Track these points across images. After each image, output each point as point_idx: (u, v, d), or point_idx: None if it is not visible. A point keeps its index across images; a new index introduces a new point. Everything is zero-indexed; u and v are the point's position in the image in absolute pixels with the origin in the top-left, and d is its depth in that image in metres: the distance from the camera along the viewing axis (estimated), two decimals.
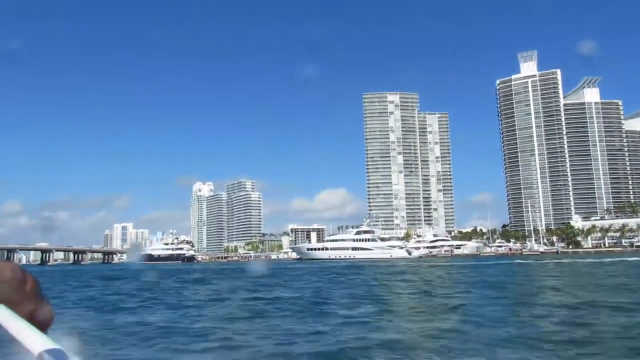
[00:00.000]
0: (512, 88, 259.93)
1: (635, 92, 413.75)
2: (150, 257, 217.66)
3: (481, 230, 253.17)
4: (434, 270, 63.31)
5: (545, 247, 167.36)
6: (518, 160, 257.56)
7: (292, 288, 36.15)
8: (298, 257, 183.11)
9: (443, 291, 31.50)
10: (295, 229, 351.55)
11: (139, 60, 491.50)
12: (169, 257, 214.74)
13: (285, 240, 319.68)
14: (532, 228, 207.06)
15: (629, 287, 30.88)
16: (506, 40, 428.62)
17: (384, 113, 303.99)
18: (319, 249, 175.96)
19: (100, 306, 25.46)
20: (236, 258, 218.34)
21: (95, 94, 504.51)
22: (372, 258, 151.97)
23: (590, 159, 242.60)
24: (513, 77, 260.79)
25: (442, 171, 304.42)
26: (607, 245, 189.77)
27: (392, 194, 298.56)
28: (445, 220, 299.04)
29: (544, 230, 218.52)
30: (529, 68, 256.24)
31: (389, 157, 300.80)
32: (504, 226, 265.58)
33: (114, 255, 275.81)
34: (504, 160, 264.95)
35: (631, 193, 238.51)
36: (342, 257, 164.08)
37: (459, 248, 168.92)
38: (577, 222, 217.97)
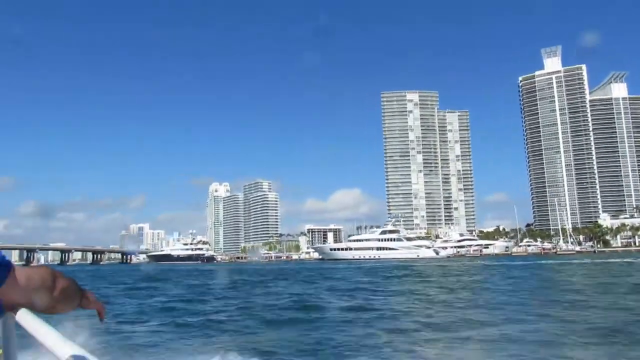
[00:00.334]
0: (536, 84, 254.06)
1: None
2: (169, 257, 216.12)
3: (504, 229, 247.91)
4: (500, 271, 58.50)
5: (580, 246, 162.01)
6: (542, 158, 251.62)
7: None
8: (320, 257, 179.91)
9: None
10: (311, 229, 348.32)
11: (147, 60, 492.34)
12: (188, 258, 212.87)
13: (303, 241, 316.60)
14: (559, 227, 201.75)
15: None
16: (526, 37, 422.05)
17: (403, 112, 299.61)
18: (342, 249, 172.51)
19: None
20: (256, 258, 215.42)
21: (107, 95, 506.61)
22: (398, 258, 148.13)
23: (618, 156, 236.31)
24: (536, 73, 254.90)
25: (463, 170, 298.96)
26: (637, 244, 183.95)
27: (411, 193, 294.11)
28: (466, 219, 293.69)
29: (571, 229, 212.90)
30: (553, 64, 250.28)
31: (409, 156, 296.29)
32: (527, 225, 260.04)
33: (132, 256, 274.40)
34: (528, 158, 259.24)
35: None
36: (367, 257, 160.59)
37: (487, 248, 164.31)
38: (605, 220, 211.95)
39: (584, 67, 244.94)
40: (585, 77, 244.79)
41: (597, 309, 19.27)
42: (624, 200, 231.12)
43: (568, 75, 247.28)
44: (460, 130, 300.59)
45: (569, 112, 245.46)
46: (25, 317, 1.42)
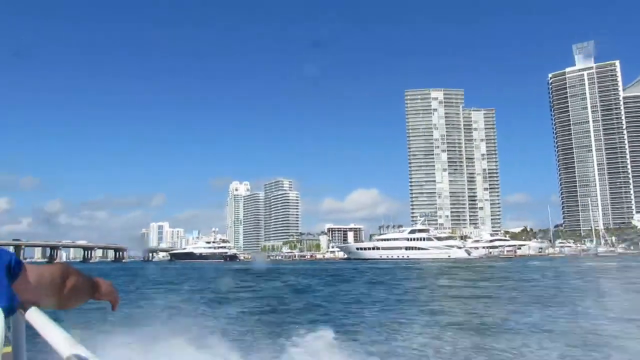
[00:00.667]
0: (567, 81, 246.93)
1: None
2: (192, 255, 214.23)
3: (531, 230, 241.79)
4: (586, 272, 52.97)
5: (623, 248, 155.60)
6: (573, 157, 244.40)
7: None
8: (346, 256, 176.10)
9: None
10: (331, 228, 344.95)
11: (167, 60, 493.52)
12: (211, 256, 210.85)
13: (324, 240, 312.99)
14: (591, 228, 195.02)
15: None
16: (553, 33, 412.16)
17: (427, 110, 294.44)
18: (369, 249, 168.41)
19: None
20: (280, 257, 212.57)
21: (128, 95, 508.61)
22: (428, 258, 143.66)
23: None
24: (567, 70, 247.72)
25: (489, 169, 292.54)
26: None
27: (435, 192, 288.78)
28: (492, 219, 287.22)
29: (604, 230, 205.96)
30: (584, 60, 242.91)
31: (433, 155, 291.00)
32: (556, 226, 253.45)
33: (154, 254, 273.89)
34: (557, 156, 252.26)
35: None
36: (395, 256, 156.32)
37: (519, 248, 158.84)
38: (639, 221, 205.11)
39: (617, 63, 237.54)
40: (618, 74, 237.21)
41: None
42: None
43: (600, 72, 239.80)
44: (486, 128, 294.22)
45: (602, 110, 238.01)
46: (34, 315, 1.43)
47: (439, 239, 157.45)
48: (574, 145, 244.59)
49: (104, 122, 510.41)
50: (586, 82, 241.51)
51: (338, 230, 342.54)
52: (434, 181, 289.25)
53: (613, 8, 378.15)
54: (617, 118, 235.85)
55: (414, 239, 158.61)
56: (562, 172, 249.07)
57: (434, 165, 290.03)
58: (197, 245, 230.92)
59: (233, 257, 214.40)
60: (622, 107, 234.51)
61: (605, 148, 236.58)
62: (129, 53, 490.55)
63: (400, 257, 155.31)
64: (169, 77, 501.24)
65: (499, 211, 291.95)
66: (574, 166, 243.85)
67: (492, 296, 26.73)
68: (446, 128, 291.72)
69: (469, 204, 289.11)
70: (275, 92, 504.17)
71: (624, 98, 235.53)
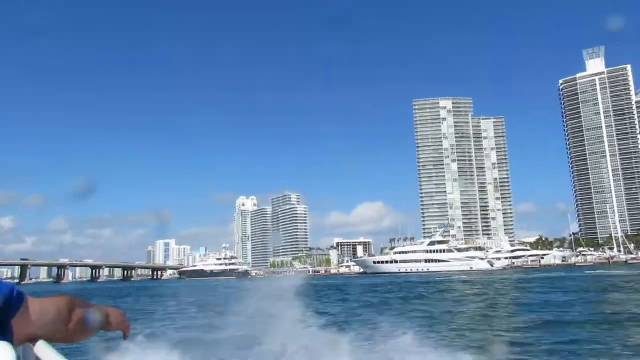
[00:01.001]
0: (578, 87, 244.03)
1: None
2: (202, 273, 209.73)
3: (547, 239, 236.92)
4: None
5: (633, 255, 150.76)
6: (587, 163, 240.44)
7: None
8: (362, 271, 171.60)
9: None
10: (340, 242, 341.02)
11: (170, 76, 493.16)
12: (222, 273, 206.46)
13: (334, 255, 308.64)
14: (611, 235, 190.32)
15: None
16: (561, 40, 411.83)
17: (437, 119, 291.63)
18: (387, 262, 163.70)
19: None
20: (293, 273, 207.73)
21: (130, 113, 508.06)
22: (450, 271, 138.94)
23: None
24: (578, 75, 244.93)
25: (500, 178, 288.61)
26: None
27: (447, 203, 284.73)
28: (505, 230, 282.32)
29: (623, 237, 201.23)
30: (595, 65, 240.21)
31: (443, 165, 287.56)
32: (572, 235, 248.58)
33: (163, 272, 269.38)
34: (571, 163, 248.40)
35: None
36: (415, 270, 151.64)
37: (543, 258, 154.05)
38: None
39: (629, 67, 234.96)
40: (630, 78, 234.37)
41: None
42: None
43: (612, 77, 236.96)
44: (496, 137, 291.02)
45: (614, 115, 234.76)
46: (43, 349, 1.39)
47: (459, 250, 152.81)
48: (587, 152, 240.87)
49: (108, 139, 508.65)
50: (598, 87, 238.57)
51: (347, 245, 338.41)
52: (445, 192, 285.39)
53: (622, 12, 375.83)
54: (630, 122, 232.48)
55: (434, 251, 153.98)
56: (576, 179, 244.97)
57: (444, 176, 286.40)
58: (208, 262, 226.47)
59: (245, 274, 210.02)
60: (635, 112, 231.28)
61: (620, 153, 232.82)
62: (130, 69, 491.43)
63: (420, 270, 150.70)
64: (172, 94, 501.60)
65: (512, 221, 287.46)
66: (588, 173, 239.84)
67: None
68: (456, 137, 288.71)
69: (481, 214, 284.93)
70: (277, 104, 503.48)
71: (636, 102, 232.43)
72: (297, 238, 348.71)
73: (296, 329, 14.17)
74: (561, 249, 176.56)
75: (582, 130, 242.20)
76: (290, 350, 11.34)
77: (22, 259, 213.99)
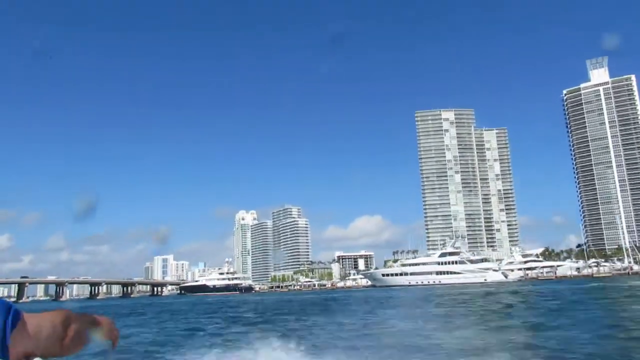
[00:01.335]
0: (582, 97, 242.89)
1: None
2: (205, 288, 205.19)
3: (553, 250, 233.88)
4: None
5: None
6: (593, 174, 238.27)
7: None
8: (370, 284, 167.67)
9: None
10: (341, 256, 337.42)
11: (166, 89, 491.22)
12: (225, 288, 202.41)
13: (336, 268, 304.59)
14: (622, 246, 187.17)
15: None
16: (562, 50, 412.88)
17: (439, 131, 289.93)
18: (396, 275, 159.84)
19: None
20: (298, 287, 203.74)
21: (128, 128, 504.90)
22: (463, 283, 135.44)
23: None
24: (582, 85, 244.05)
25: (504, 189, 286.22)
26: None
27: (450, 215, 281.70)
28: (510, 241, 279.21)
29: (632, 248, 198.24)
30: (599, 75, 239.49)
31: (446, 176, 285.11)
32: (578, 245, 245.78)
33: (164, 288, 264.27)
34: (577, 174, 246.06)
35: None
36: (426, 282, 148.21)
37: (557, 269, 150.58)
38: None
39: (633, 77, 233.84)
40: (635, 88, 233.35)
41: None
42: None
43: (617, 87, 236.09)
44: (499, 148, 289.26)
45: (620, 125, 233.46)
46: None
47: (472, 261, 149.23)
48: (593, 162, 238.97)
49: (104, 156, 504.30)
50: (602, 97, 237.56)
51: (348, 258, 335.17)
52: (449, 203, 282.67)
53: (624, 23, 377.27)
54: (636, 132, 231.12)
55: (445, 263, 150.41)
56: (583, 190, 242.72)
57: (447, 187, 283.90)
58: (210, 277, 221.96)
59: (248, 289, 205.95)
60: None
61: (626, 163, 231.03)
62: (129, 82, 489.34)
63: (431, 282, 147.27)
64: (169, 109, 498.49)
65: (516, 232, 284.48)
66: (595, 183, 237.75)
67: None
68: (458, 148, 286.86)
69: (485, 226, 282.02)
70: (274, 118, 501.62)
71: None
72: (298, 251, 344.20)
73: None
74: (574, 260, 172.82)
75: (588, 141, 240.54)
76: None
77: (22, 277, 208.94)
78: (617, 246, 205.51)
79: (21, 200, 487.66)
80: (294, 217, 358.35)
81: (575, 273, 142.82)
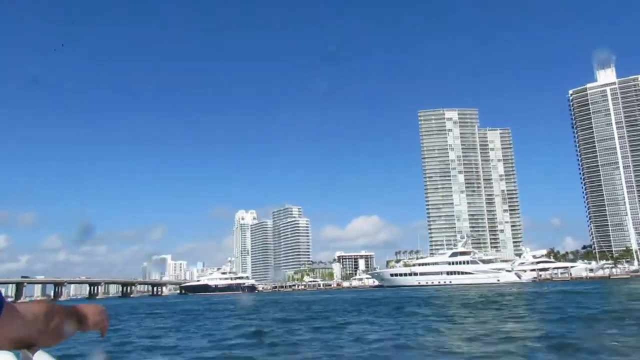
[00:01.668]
0: (589, 97, 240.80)
1: None
2: (207, 288, 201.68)
3: (558, 252, 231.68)
4: None
5: None
6: (600, 175, 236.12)
7: None
8: (378, 284, 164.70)
9: None
10: (342, 256, 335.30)
11: (166, 91, 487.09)
12: (228, 287, 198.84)
13: (337, 268, 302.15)
14: (634, 248, 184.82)
15: None
16: (568, 50, 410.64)
17: (442, 131, 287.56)
18: (405, 275, 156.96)
19: None
20: (302, 287, 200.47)
21: (124, 129, 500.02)
22: (475, 284, 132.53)
23: None
24: (588, 85, 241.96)
25: (507, 190, 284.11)
26: None
27: (454, 215, 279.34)
28: (513, 242, 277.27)
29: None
30: (606, 75, 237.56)
31: (449, 176, 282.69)
32: (584, 247, 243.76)
33: (164, 287, 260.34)
34: (583, 175, 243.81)
35: None
36: (436, 283, 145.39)
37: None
38: None
39: None
40: None
41: None
42: None
43: (624, 87, 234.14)
44: (502, 148, 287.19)
45: (627, 125, 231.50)
46: (42, 358, 1.41)
47: (484, 262, 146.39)
48: (599, 163, 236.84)
49: (101, 155, 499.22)
50: (609, 97, 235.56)
51: (349, 258, 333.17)
52: (452, 203, 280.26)
53: (633, 22, 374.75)
54: None
55: (456, 263, 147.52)
56: (589, 191, 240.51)
57: (451, 187, 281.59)
58: (212, 276, 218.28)
59: (251, 289, 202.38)
60: None
61: (633, 164, 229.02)
62: (123, 84, 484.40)
63: (442, 283, 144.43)
64: (167, 109, 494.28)
65: (520, 233, 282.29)
66: (601, 184, 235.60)
67: None
68: (462, 148, 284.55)
69: (489, 226, 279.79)
70: (270, 118, 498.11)
71: None
72: (299, 251, 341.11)
73: None
74: (585, 261, 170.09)
75: (594, 141, 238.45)
76: None
77: (22, 277, 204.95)
78: (624, 248, 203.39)
79: (18, 200, 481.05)
80: (294, 217, 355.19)
81: (592, 274, 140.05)
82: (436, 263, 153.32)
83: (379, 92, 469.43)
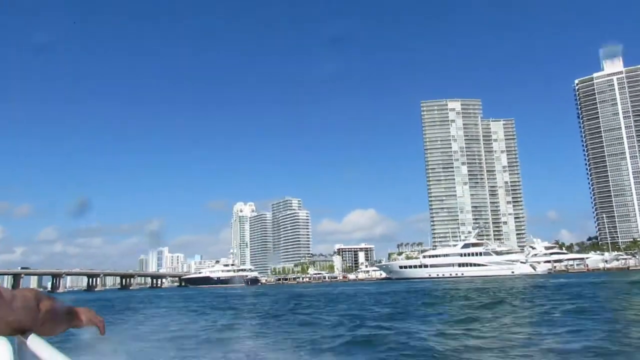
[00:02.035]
0: (595, 87, 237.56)
1: None
2: (209, 280, 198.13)
3: (563, 243, 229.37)
4: None
5: None
6: (606, 165, 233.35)
7: None
8: (386, 276, 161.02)
9: None
10: (342, 248, 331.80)
11: (166, 84, 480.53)
12: (230, 280, 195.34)
13: (337, 261, 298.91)
14: None
15: None
16: (573, 39, 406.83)
17: (445, 121, 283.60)
18: (415, 267, 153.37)
19: None
20: (307, 279, 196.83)
21: (122, 120, 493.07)
22: (488, 275, 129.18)
23: None
24: (595, 75, 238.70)
25: (511, 181, 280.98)
26: None
27: (456, 207, 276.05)
28: (517, 234, 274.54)
29: None
30: (613, 65, 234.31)
31: (452, 167, 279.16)
32: (589, 239, 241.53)
33: (163, 280, 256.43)
34: (589, 166, 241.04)
35: None
36: (447, 275, 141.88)
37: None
38: None
39: None
40: None
41: None
42: None
43: (631, 76, 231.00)
44: (506, 139, 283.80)
45: (634, 115, 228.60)
46: (37, 344, 1.41)
47: (497, 253, 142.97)
48: (606, 153, 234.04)
49: (97, 148, 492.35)
50: (616, 87, 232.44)
51: (349, 251, 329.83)
52: (455, 195, 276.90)
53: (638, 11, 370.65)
54: None
55: (469, 254, 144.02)
56: (595, 182, 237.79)
57: (454, 179, 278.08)
58: (214, 268, 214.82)
59: (255, 281, 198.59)
60: None
61: None
62: (121, 77, 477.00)
63: (454, 275, 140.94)
64: (164, 103, 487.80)
65: (523, 225, 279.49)
66: (608, 175, 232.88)
67: None
68: (465, 140, 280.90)
69: (492, 218, 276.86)
70: (279, 112, 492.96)
71: None
72: (299, 244, 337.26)
73: None
74: (598, 252, 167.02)
75: (601, 131, 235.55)
76: None
77: (22, 268, 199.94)
78: (631, 239, 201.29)
79: (14, 192, 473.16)
80: (294, 209, 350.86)
81: (608, 265, 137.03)
82: (447, 255, 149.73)
83: (381, 82, 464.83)
